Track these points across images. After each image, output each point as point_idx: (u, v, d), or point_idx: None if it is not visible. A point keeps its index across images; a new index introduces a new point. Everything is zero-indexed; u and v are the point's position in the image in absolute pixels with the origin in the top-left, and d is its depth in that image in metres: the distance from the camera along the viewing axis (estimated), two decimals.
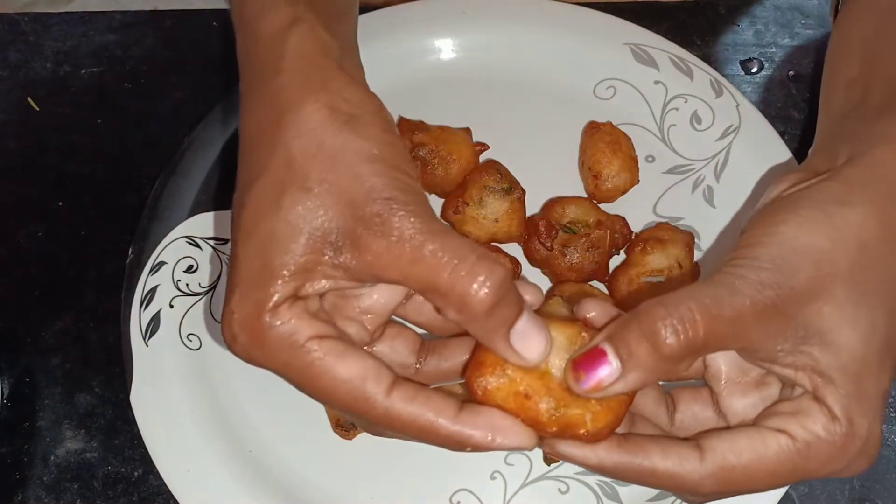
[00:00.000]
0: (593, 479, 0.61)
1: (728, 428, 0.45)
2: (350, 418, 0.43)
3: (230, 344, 0.42)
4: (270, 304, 0.41)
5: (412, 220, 0.41)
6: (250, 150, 0.44)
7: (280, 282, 0.41)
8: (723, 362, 0.46)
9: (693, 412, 0.47)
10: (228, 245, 0.66)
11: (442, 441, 0.42)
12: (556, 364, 0.43)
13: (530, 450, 0.42)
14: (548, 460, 0.62)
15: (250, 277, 0.41)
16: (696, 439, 0.43)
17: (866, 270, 0.43)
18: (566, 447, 0.42)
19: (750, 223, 0.46)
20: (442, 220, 0.41)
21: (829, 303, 0.42)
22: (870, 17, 0.57)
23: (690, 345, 0.40)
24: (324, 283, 0.42)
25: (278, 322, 0.41)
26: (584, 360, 0.41)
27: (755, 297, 0.41)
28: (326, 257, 0.41)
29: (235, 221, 0.43)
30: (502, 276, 0.41)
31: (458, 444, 0.41)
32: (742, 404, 0.46)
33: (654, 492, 0.60)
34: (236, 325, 0.41)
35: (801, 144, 0.73)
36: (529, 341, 0.42)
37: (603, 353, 0.41)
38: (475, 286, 0.40)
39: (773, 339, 0.42)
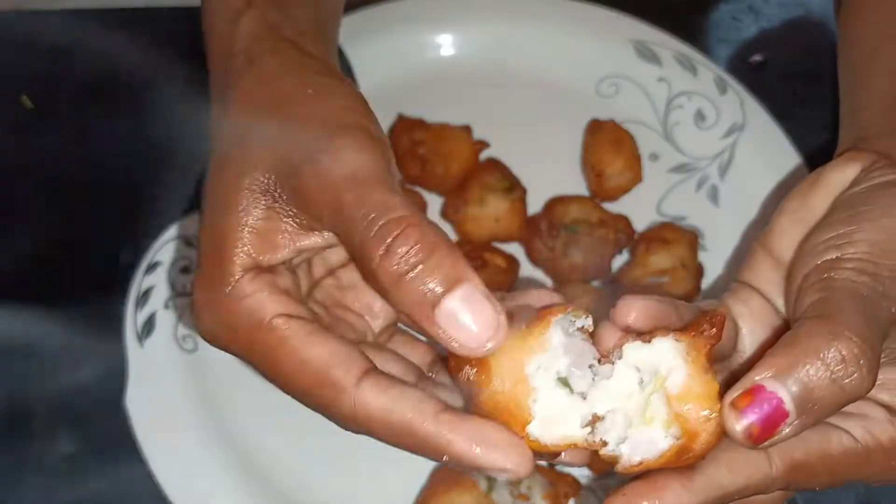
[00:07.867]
0: (599, 486, 0.61)
1: None
2: (318, 411, 0.38)
3: (196, 326, 0.39)
4: (231, 279, 0.37)
5: (340, 162, 0.37)
6: (214, 133, 0.44)
7: (236, 251, 0.38)
8: None
9: None
10: None
11: (416, 443, 0.35)
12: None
13: (523, 476, 0.36)
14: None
15: (210, 255, 0.39)
16: None
17: None
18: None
19: (836, 217, 0.42)
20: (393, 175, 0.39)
21: None
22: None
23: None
24: (284, 247, 0.38)
25: (240, 297, 0.37)
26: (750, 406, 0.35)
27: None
28: (272, 209, 0.38)
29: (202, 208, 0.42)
30: (416, 237, 0.35)
31: (435, 449, 0.35)
32: None
33: None
34: (200, 305, 0.38)
35: (805, 142, 0.72)
36: (460, 322, 0.34)
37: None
38: (381, 249, 0.34)
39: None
